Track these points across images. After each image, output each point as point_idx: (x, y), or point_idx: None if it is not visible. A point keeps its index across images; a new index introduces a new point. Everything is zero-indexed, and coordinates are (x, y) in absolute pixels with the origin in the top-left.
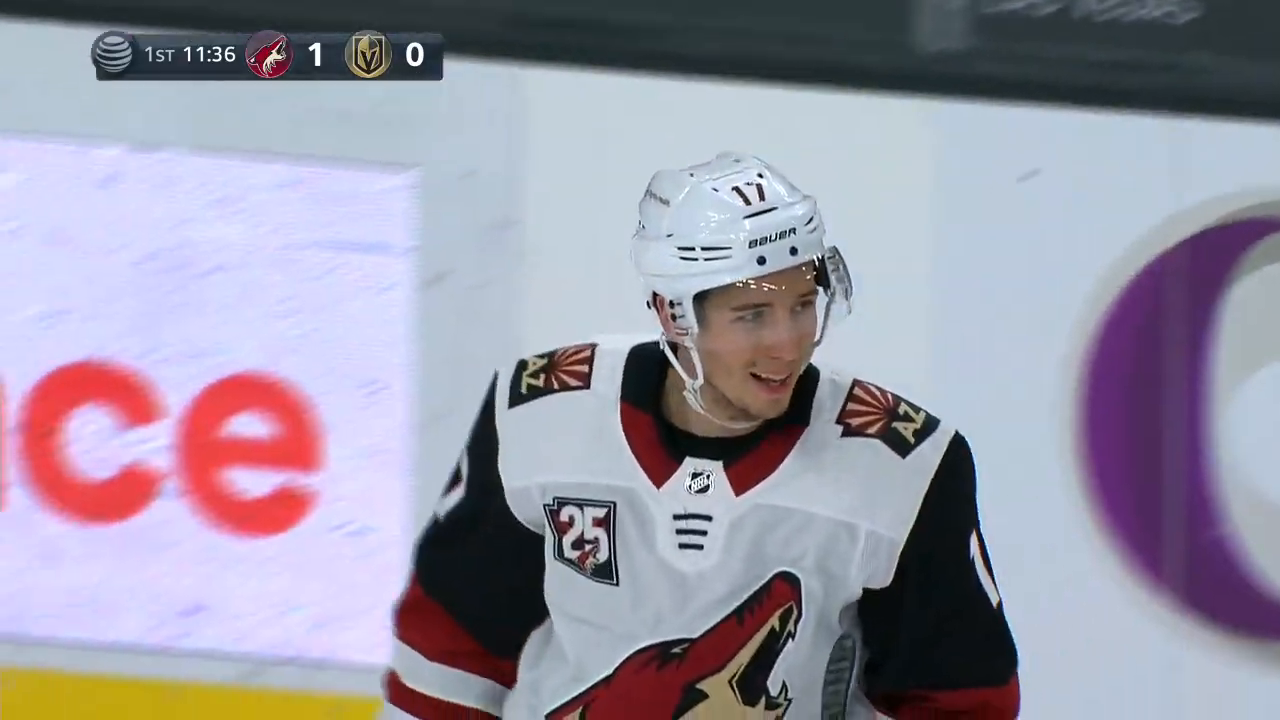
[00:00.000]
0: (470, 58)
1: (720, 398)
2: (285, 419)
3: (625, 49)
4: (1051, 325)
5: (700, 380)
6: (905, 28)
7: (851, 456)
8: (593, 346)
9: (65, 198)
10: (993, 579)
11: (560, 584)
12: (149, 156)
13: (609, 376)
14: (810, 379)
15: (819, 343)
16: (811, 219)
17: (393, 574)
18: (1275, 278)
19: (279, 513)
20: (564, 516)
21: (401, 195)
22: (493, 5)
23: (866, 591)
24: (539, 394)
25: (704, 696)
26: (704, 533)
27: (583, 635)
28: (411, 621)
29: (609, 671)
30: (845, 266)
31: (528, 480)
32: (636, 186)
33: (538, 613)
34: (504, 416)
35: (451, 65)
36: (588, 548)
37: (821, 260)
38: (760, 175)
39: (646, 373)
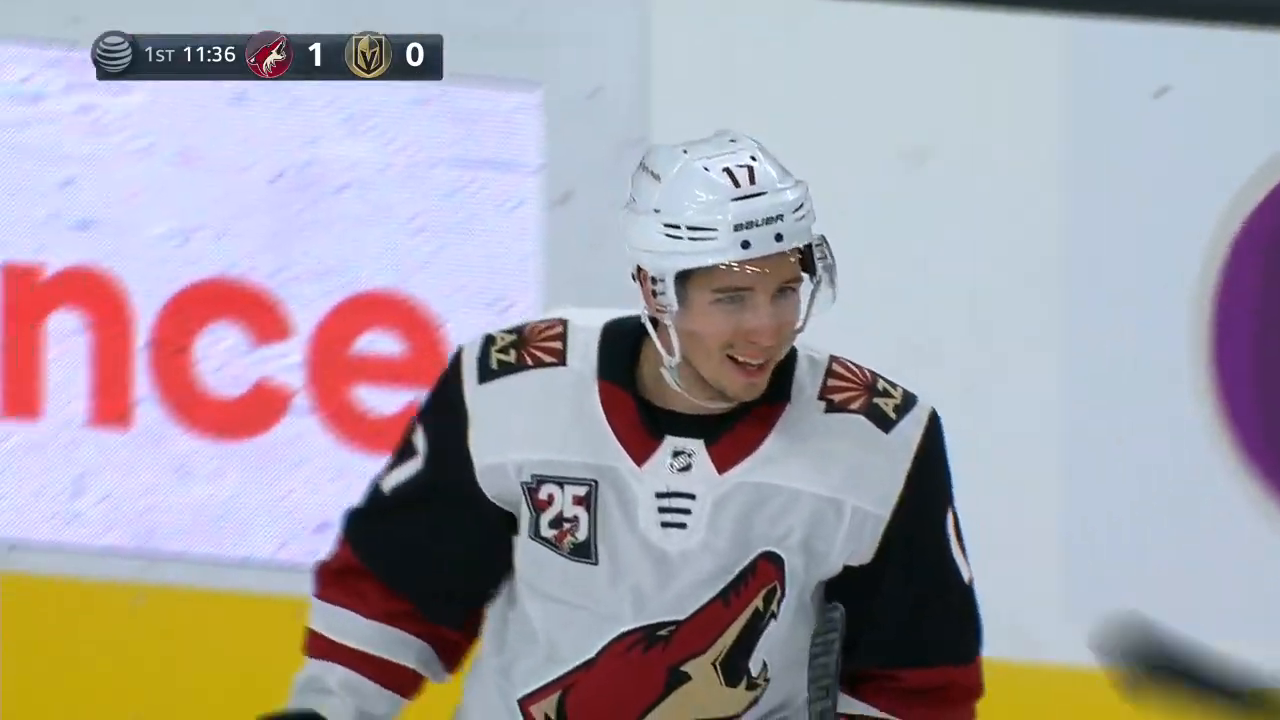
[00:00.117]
0: None
1: (697, 377)
2: (414, 337)
3: None
4: (1183, 244)
5: (677, 359)
6: None
7: (835, 433)
8: (564, 322)
9: (195, 116)
10: (965, 556)
11: (532, 562)
12: None
13: (583, 353)
14: (789, 357)
15: (801, 330)
16: (801, 205)
17: None
18: None
19: None
20: (543, 494)
21: (530, 113)
22: None
23: (846, 569)
24: (511, 370)
25: (688, 679)
26: (687, 511)
27: (556, 614)
28: (344, 584)
29: (590, 655)
30: (832, 254)
31: (502, 457)
32: (763, 103)
33: (482, 588)
34: (475, 392)
35: None
36: (566, 526)
37: (808, 247)
38: (753, 158)
39: (621, 350)
